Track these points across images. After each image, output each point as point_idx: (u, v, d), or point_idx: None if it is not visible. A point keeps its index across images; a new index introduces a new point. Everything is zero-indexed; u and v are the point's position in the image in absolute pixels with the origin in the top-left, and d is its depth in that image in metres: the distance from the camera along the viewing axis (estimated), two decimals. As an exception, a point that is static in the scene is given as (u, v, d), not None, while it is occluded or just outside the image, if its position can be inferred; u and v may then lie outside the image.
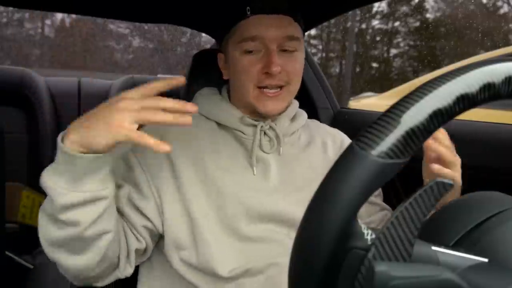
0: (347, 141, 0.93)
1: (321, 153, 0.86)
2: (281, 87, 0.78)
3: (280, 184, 0.79)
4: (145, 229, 0.73)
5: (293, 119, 0.87)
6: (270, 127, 0.81)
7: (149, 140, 0.55)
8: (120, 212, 0.71)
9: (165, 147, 0.55)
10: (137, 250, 0.73)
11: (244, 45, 0.77)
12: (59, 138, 0.59)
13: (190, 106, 0.58)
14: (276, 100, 0.78)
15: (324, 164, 0.84)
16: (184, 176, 0.74)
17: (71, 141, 0.57)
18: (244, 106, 0.82)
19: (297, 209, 0.76)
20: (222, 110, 0.82)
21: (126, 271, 0.72)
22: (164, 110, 0.57)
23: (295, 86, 0.81)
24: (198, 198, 0.74)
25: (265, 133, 0.81)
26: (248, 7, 0.77)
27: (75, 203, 0.59)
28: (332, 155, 0.87)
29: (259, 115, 0.81)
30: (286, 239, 0.76)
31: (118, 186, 0.72)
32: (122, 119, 0.56)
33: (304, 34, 0.85)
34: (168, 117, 0.56)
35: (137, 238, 0.73)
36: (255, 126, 0.80)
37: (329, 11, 1.21)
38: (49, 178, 0.59)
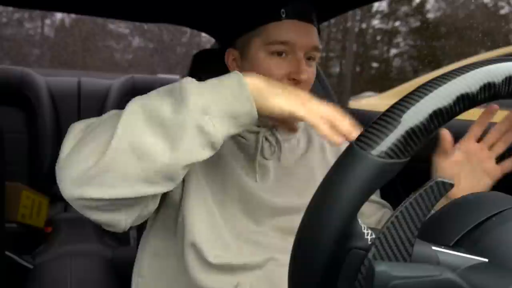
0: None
1: (319, 156, 0.86)
2: None
3: (279, 190, 0.79)
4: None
5: None
6: (272, 132, 0.81)
7: (324, 128, 0.56)
8: None
9: (338, 139, 0.56)
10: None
11: (272, 47, 0.75)
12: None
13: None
14: None
15: (323, 168, 0.84)
16: (193, 178, 0.75)
17: (253, 83, 0.56)
18: None
19: (296, 216, 0.77)
20: None
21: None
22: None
23: None
24: (206, 196, 0.74)
25: (266, 138, 0.80)
26: (283, 10, 0.75)
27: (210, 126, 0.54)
28: (331, 157, 0.87)
29: (262, 122, 0.80)
30: (285, 242, 0.76)
31: None
32: (308, 102, 0.56)
33: None
34: (329, 132, 0.56)
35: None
36: (257, 132, 0.80)
37: (329, 11, 1.21)
38: (199, 96, 0.54)
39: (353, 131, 0.57)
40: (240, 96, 0.55)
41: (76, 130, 0.61)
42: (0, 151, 1.24)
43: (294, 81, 0.75)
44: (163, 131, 0.53)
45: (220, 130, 0.55)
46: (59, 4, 1.25)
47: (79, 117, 1.57)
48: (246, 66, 0.79)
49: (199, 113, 0.53)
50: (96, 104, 1.57)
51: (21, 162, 1.59)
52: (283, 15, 0.75)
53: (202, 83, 0.57)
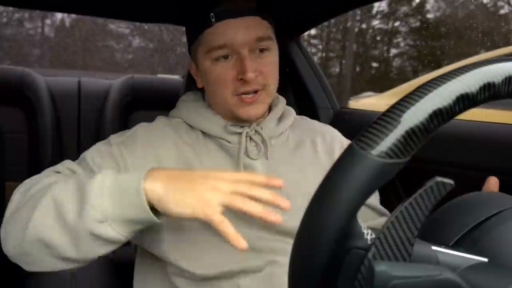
0: (337, 135, 0.90)
1: (311, 153, 0.83)
2: (257, 91, 0.75)
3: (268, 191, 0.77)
4: None
5: (280, 118, 0.84)
6: (256, 131, 0.78)
7: (229, 229, 0.53)
8: None
9: (242, 243, 0.53)
10: None
11: (213, 54, 0.73)
12: (142, 177, 0.56)
13: (282, 201, 0.56)
14: (256, 104, 0.76)
15: (315, 165, 0.81)
16: None
17: (152, 190, 0.55)
18: (225, 113, 0.79)
19: (285, 216, 0.76)
20: (205, 118, 0.79)
21: None
22: (255, 199, 0.55)
23: (273, 87, 0.78)
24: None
25: (251, 138, 0.78)
26: (212, 14, 0.73)
27: (102, 236, 0.57)
28: (323, 154, 0.84)
29: (242, 121, 0.78)
30: (281, 243, 0.75)
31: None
32: (212, 198, 0.54)
33: (274, 31, 0.81)
34: (257, 209, 0.54)
35: None
36: (240, 133, 0.78)
37: (329, 11, 1.21)
38: (99, 200, 0.56)
39: (275, 198, 0.56)
40: (137, 205, 0.55)
41: (17, 192, 0.66)
42: (0, 151, 1.24)
43: (241, 81, 0.73)
44: (66, 231, 0.57)
45: (122, 230, 0.57)
46: (59, 4, 1.25)
47: (79, 117, 1.57)
48: (202, 76, 0.79)
49: (95, 222, 0.56)
50: (96, 104, 1.57)
51: (21, 162, 1.59)
52: (213, 19, 0.73)
53: (106, 185, 0.57)
